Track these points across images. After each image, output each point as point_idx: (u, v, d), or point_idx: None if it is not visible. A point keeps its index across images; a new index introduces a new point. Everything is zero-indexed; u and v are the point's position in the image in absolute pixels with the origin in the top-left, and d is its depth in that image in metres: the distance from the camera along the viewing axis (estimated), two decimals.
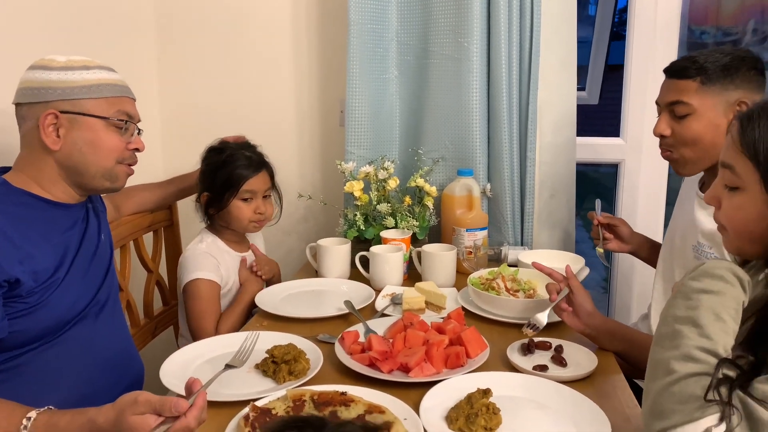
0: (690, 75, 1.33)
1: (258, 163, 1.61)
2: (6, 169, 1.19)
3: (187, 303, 1.54)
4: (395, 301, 1.51)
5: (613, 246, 1.70)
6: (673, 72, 1.38)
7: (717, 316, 0.82)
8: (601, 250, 1.67)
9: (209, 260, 1.56)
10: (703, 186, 1.46)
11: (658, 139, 1.43)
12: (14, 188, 1.14)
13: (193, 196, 1.67)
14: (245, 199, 1.58)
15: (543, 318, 1.27)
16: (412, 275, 1.72)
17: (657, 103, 1.43)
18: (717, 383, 0.77)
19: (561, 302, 1.26)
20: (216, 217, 1.61)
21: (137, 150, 1.25)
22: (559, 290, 1.27)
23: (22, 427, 0.90)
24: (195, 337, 1.50)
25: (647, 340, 1.17)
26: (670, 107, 1.38)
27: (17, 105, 1.16)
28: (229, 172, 1.56)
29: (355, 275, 1.69)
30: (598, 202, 1.74)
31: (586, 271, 1.44)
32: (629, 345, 1.25)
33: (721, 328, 0.82)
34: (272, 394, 1.01)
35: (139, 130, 1.27)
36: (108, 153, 1.17)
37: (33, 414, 0.92)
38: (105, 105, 1.16)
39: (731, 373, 0.78)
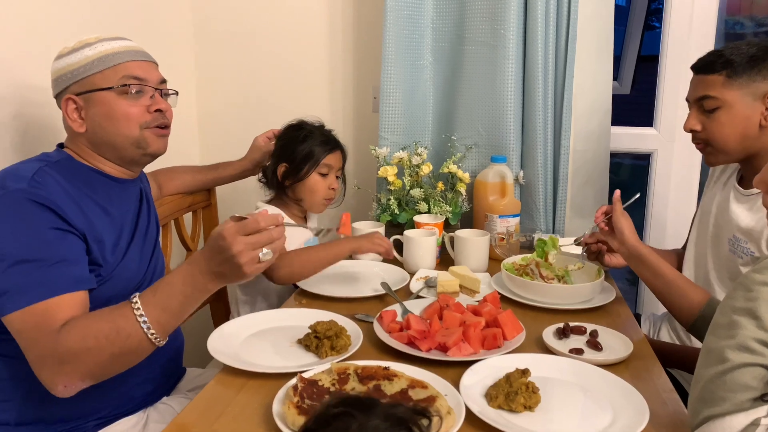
0: (716, 69, 1.34)
1: (335, 141, 1.68)
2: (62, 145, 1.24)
3: None
4: (429, 284, 1.53)
5: (608, 261, 1.47)
6: (699, 68, 1.39)
7: None
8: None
9: None
10: (742, 179, 1.45)
11: None
12: (77, 162, 1.19)
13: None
14: (323, 174, 1.63)
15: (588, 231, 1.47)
16: (444, 260, 1.75)
17: (687, 99, 1.44)
18: None
19: (603, 224, 1.39)
20: (289, 190, 1.65)
21: (160, 111, 1.20)
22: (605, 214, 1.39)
23: (142, 321, 0.97)
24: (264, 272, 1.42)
25: (670, 273, 1.26)
26: (698, 102, 1.39)
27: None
28: (310, 146, 1.62)
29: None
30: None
31: (636, 195, 1.47)
32: (653, 274, 1.28)
33: None
34: (317, 367, 1.04)
35: (164, 91, 1.22)
36: (126, 122, 1.16)
37: (137, 301, 0.98)
38: (110, 74, 1.15)
39: None
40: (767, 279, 0.83)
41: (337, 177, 1.68)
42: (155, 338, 0.99)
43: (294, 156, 1.61)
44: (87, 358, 0.97)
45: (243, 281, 1.00)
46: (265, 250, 0.96)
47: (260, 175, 1.71)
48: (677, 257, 1.65)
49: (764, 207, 0.93)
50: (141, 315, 0.97)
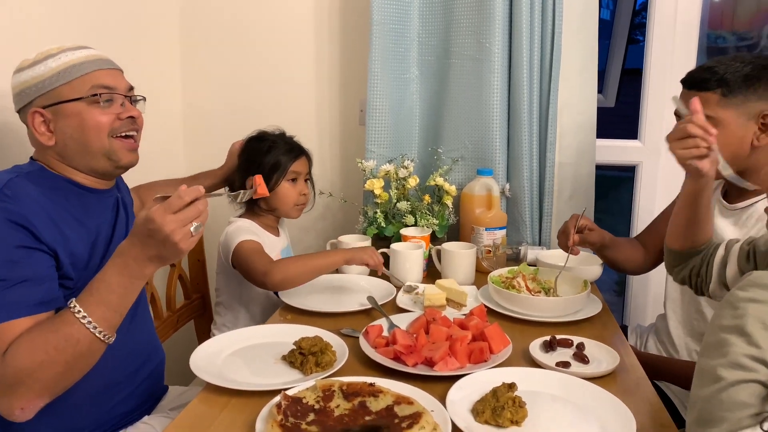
0: (710, 87, 1.30)
1: (299, 147, 1.70)
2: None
3: (240, 262, 1.53)
4: (411, 290, 1.54)
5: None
6: (692, 84, 1.34)
7: (765, 325, 0.80)
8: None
9: (252, 234, 1.60)
10: (727, 194, 1.45)
11: None
12: (49, 173, 1.16)
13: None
14: (292, 180, 1.66)
15: None
16: (431, 273, 1.74)
17: (675, 114, 1.42)
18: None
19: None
20: (261, 201, 1.67)
21: (132, 118, 1.18)
22: None
23: (87, 323, 0.96)
24: (256, 278, 1.48)
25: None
26: None
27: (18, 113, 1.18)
28: (276, 156, 1.64)
29: (374, 271, 1.70)
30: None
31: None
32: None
33: None
34: (301, 384, 1.02)
35: (134, 98, 1.22)
36: (96, 131, 1.14)
37: (76, 305, 0.97)
38: (78, 85, 1.13)
39: None
40: (752, 295, 0.83)
41: (306, 180, 1.71)
42: (104, 336, 0.99)
43: (261, 168, 1.62)
44: (40, 374, 0.95)
45: (180, 258, 0.99)
46: (195, 223, 0.96)
47: (227, 190, 1.67)
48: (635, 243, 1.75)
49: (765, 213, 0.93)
50: (84, 317, 0.96)
